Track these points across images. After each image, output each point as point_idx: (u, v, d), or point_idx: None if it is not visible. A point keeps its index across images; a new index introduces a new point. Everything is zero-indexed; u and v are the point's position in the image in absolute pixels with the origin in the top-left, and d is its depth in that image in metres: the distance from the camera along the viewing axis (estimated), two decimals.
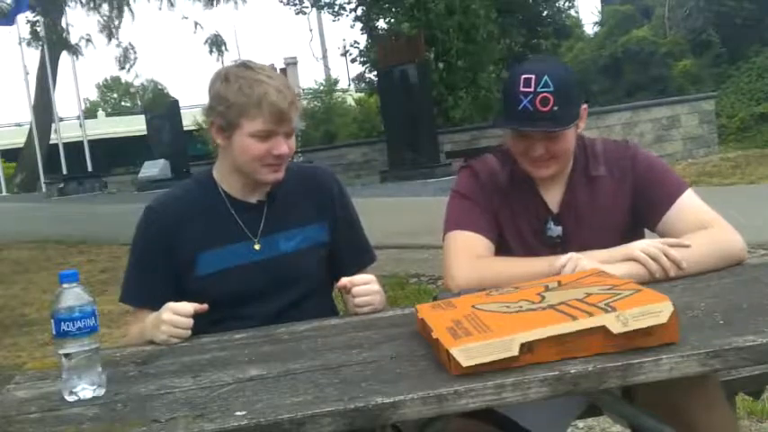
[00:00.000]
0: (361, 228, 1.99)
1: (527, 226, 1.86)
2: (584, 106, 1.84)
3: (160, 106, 16.24)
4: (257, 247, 1.82)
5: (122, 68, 11.99)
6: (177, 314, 1.65)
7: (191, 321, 1.65)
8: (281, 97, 1.74)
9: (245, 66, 1.81)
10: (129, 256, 1.88)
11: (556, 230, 1.85)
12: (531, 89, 1.71)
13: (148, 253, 1.83)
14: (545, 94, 1.71)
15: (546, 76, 1.72)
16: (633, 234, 1.81)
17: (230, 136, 1.78)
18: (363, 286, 1.73)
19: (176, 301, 1.72)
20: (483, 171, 1.91)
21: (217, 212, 1.83)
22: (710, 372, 1.22)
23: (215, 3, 12.23)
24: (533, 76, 1.71)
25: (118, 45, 11.86)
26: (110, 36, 11.64)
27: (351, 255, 1.95)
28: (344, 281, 1.74)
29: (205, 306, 1.67)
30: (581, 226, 1.84)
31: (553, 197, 1.86)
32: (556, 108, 1.71)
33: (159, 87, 12.38)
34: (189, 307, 1.65)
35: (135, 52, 12.03)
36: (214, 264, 1.79)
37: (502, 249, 1.84)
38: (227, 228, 1.82)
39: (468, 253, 1.79)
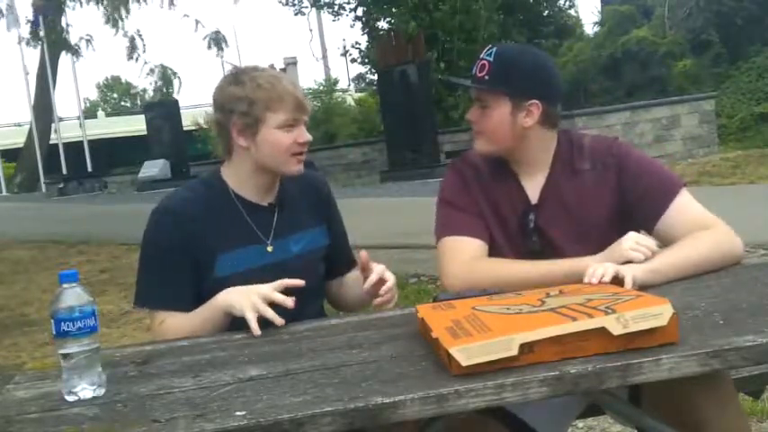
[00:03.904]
0: (346, 231, 2.04)
1: (509, 216, 1.86)
2: (536, 102, 1.78)
3: (168, 92, 16.01)
4: (270, 249, 1.83)
5: (130, 58, 11.94)
6: (269, 294, 1.62)
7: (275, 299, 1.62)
8: (297, 88, 1.82)
9: (251, 67, 1.85)
10: (142, 259, 1.82)
11: (533, 221, 1.85)
12: (481, 56, 1.83)
13: (170, 254, 1.78)
14: (484, 61, 1.82)
15: (494, 48, 1.83)
16: (614, 232, 1.73)
17: (255, 134, 1.79)
18: (388, 284, 1.77)
19: (196, 300, 1.74)
20: (466, 167, 1.93)
21: (230, 214, 1.83)
22: (710, 371, 1.22)
23: None
24: (489, 47, 1.84)
25: (125, 35, 11.82)
26: (115, 26, 11.58)
27: (343, 256, 2.01)
28: (377, 270, 1.75)
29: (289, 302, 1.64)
30: (558, 219, 1.83)
31: (534, 188, 1.87)
32: (487, 77, 1.80)
33: (168, 69, 12.32)
34: (278, 297, 1.63)
35: (143, 40, 12.00)
36: (231, 265, 1.78)
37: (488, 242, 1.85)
38: (242, 230, 1.82)
39: (463, 255, 1.81)
